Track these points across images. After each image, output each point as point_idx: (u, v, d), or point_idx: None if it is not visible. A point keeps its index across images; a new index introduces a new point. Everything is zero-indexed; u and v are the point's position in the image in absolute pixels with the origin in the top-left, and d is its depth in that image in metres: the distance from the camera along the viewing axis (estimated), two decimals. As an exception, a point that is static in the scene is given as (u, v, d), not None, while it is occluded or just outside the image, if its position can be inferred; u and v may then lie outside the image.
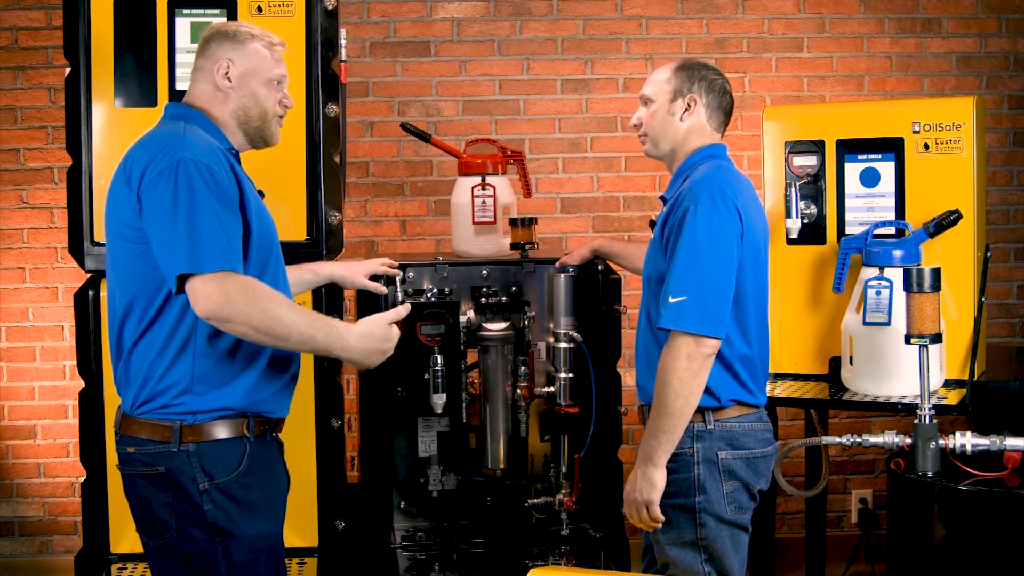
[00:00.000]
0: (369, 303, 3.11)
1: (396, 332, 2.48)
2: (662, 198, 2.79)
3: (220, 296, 2.25)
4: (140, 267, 2.37)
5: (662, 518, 2.61)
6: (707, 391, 2.60)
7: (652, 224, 2.79)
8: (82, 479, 3.14)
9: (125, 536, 3.09)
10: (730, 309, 2.58)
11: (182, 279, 2.28)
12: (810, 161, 3.39)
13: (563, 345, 3.23)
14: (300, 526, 3.14)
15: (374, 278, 3.09)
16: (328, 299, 3.11)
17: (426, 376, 3.13)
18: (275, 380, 2.48)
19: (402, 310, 2.56)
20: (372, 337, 2.44)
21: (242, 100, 2.52)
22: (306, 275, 3.00)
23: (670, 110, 2.75)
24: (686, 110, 2.74)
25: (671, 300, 2.53)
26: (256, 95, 2.53)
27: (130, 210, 2.36)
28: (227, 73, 2.50)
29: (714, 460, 2.64)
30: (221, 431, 2.41)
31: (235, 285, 2.27)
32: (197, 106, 2.53)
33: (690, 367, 2.52)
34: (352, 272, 3.05)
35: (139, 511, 2.47)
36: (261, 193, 2.64)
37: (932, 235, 3.19)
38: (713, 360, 2.56)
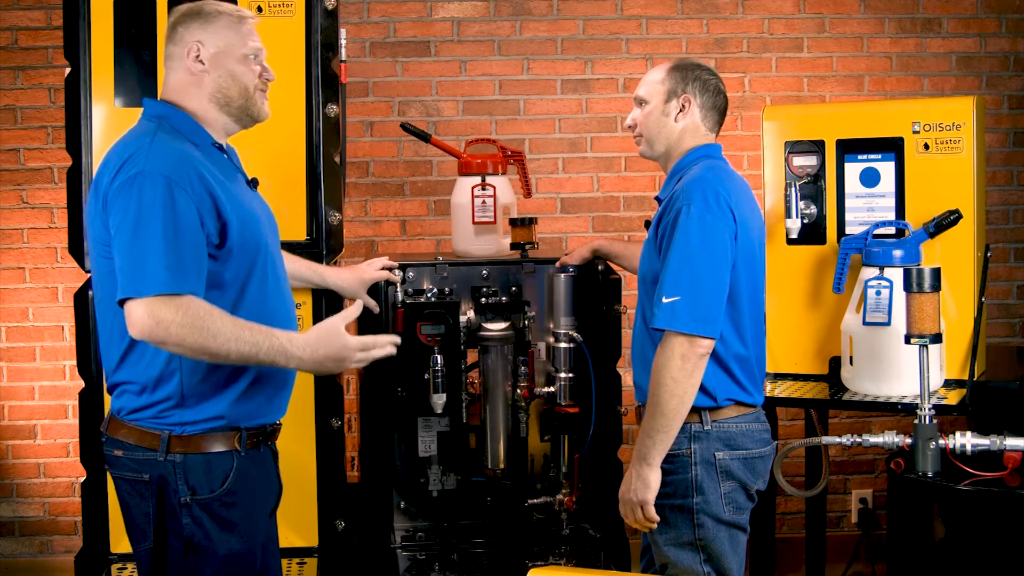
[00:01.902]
0: (369, 312, 3.11)
1: (356, 340, 2.39)
2: (657, 198, 2.79)
3: (149, 320, 2.21)
4: (114, 283, 2.31)
5: (657, 518, 2.61)
6: (704, 391, 2.60)
7: (648, 224, 2.79)
8: (82, 479, 3.14)
9: (125, 536, 3.07)
10: (724, 309, 2.58)
11: (121, 302, 2.25)
12: (810, 161, 3.39)
13: (563, 345, 3.23)
14: (300, 526, 3.14)
15: (374, 288, 3.10)
16: (328, 306, 3.11)
17: (426, 376, 3.13)
18: (267, 387, 2.43)
19: (353, 311, 2.48)
20: (319, 344, 2.34)
21: (218, 81, 2.43)
22: (306, 272, 2.99)
23: (664, 111, 2.76)
24: (680, 111, 2.75)
25: (664, 300, 2.53)
26: (232, 73, 2.44)
27: (99, 226, 2.34)
28: (198, 56, 2.41)
29: (711, 461, 2.64)
30: (211, 444, 2.36)
31: (168, 309, 2.22)
32: (173, 100, 2.44)
33: (684, 367, 2.52)
34: (352, 284, 3.05)
35: (124, 514, 2.46)
36: (255, 181, 2.57)
37: (932, 235, 3.19)
38: (707, 360, 2.56)
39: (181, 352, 2.27)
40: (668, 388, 2.53)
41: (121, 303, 2.25)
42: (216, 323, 2.25)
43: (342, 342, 2.36)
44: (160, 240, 2.24)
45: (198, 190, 2.30)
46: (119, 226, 2.27)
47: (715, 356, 2.60)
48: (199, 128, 2.44)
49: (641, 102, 2.80)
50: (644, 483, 2.58)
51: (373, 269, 3.12)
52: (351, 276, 3.08)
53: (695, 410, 2.61)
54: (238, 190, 2.45)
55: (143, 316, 2.22)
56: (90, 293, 3.09)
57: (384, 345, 2.46)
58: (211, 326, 2.24)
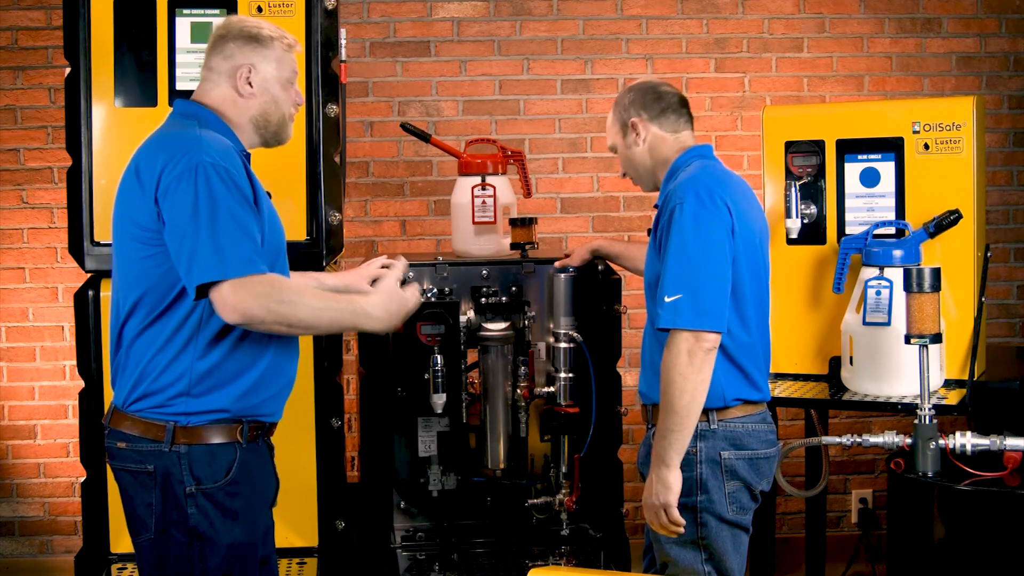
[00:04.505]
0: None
1: (410, 290, 2.60)
2: (655, 205, 2.79)
3: (250, 300, 2.25)
4: (150, 268, 2.35)
5: (682, 521, 2.57)
6: (712, 389, 2.59)
7: (650, 231, 2.80)
8: (82, 479, 3.14)
9: (125, 536, 3.07)
10: (728, 302, 2.58)
11: (205, 286, 2.25)
12: (810, 161, 3.40)
13: (563, 345, 3.23)
14: (300, 526, 3.14)
15: (373, 284, 3.09)
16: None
17: (426, 376, 3.13)
18: (271, 385, 2.47)
19: (400, 266, 2.67)
20: (389, 302, 2.51)
21: (264, 106, 2.49)
22: (309, 282, 3.00)
23: (627, 144, 2.80)
24: (636, 135, 2.77)
25: (666, 300, 2.53)
26: (277, 99, 2.50)
27: (144, 212, 2.34)
28: (249, 79, 2.47)
29: (717, 460, 2.64)
30: (214, 435, 2.39)
31: (262, 287, 2.26)
32: (211, 106, 2.48)
33: (692, 363, 2.51)
34: (356, 282, 3.04)
35: (125, 506, 2.47)
36: (268, 194, 2.63)
37: (932, 235, 3.19)
38: (715, 355, 2.55)
39: (278, 329, 2.32)
40: (678, 386, 2.52)
41: (203, 289, 2.26)
42: (305, 295, 2.35)
43: (402, 295, 2.57)
44: (237, 223, 2.28)
45: (247, 182, 2.37)
46: (190, 214, 2.27)
47: (722, 351, 2.59)
48: (233, 134, 2.49)
49: (612, 149, 2.85)
50: (664, 485, 2.56)
51: (374, 267, 3.12)
52: (353, 276, 3.07)
53: (702, 409, 2.60)
54: (264, 195, 2.50)
55: (242, 297, 2.24)
56: (90, 293, 3.10)
57: (401, 269, 2.72)
58: (302, 299, 2.32)
